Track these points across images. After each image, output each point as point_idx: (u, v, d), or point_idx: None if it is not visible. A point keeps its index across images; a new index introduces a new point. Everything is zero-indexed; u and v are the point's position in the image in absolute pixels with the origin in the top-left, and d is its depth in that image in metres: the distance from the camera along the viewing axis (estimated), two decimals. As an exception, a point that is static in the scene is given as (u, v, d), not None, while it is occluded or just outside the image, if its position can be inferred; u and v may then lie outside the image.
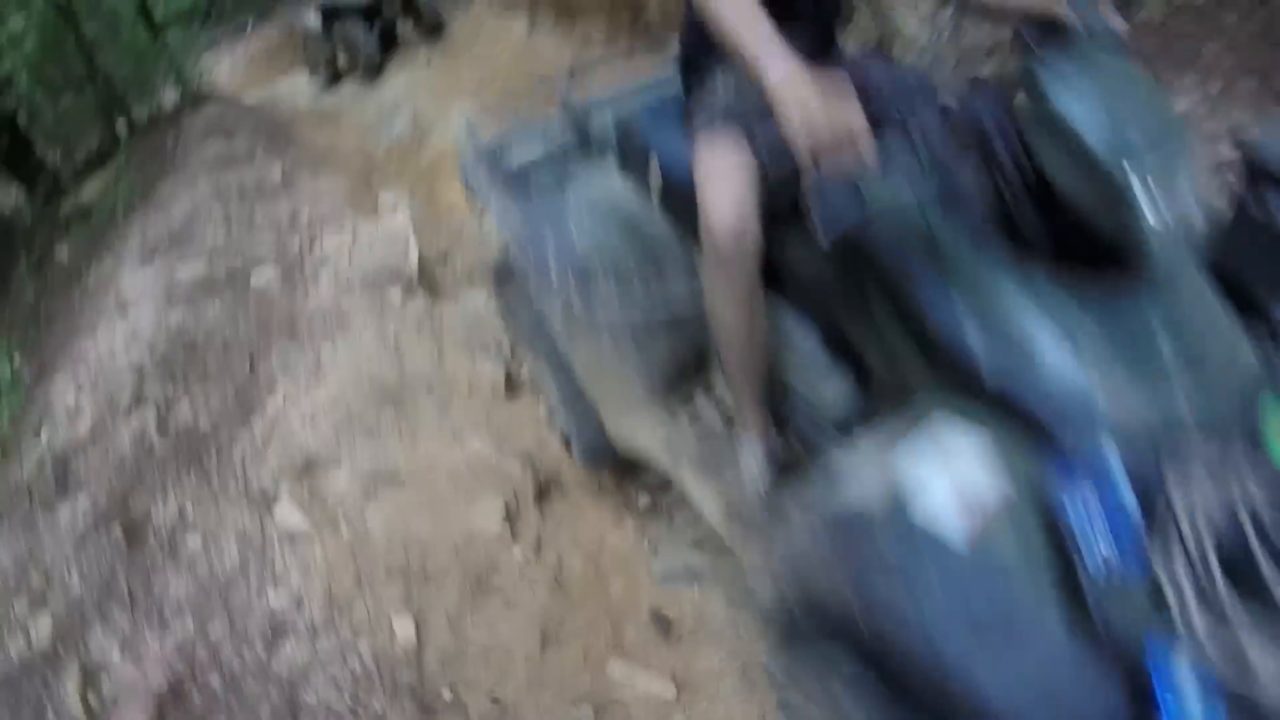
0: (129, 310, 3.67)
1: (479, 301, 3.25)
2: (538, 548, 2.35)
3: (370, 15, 7.06)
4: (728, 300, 1.56)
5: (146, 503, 2.62)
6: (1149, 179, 1.04)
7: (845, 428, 1.59)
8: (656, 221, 1.95)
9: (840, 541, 1.16)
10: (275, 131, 6.07)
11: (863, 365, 1.56)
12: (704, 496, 1.93)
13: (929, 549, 1.04)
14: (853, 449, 1.30)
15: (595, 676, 2.10)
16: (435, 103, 6.07)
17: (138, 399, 3.03)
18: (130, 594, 2.39)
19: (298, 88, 7.77)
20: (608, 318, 1.87)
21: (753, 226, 1.48)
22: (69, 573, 2.49)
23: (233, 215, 4.41)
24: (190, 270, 3.86)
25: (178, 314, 3.50)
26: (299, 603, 2.24)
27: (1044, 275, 1.17)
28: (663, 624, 2.17)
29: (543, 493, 2.49)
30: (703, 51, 1.63)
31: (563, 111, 2.33)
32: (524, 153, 2.32)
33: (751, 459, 1.75)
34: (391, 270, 3.53)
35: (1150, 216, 1.04)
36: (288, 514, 2.44)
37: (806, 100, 1.09)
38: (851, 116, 1.09)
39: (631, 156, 2.03)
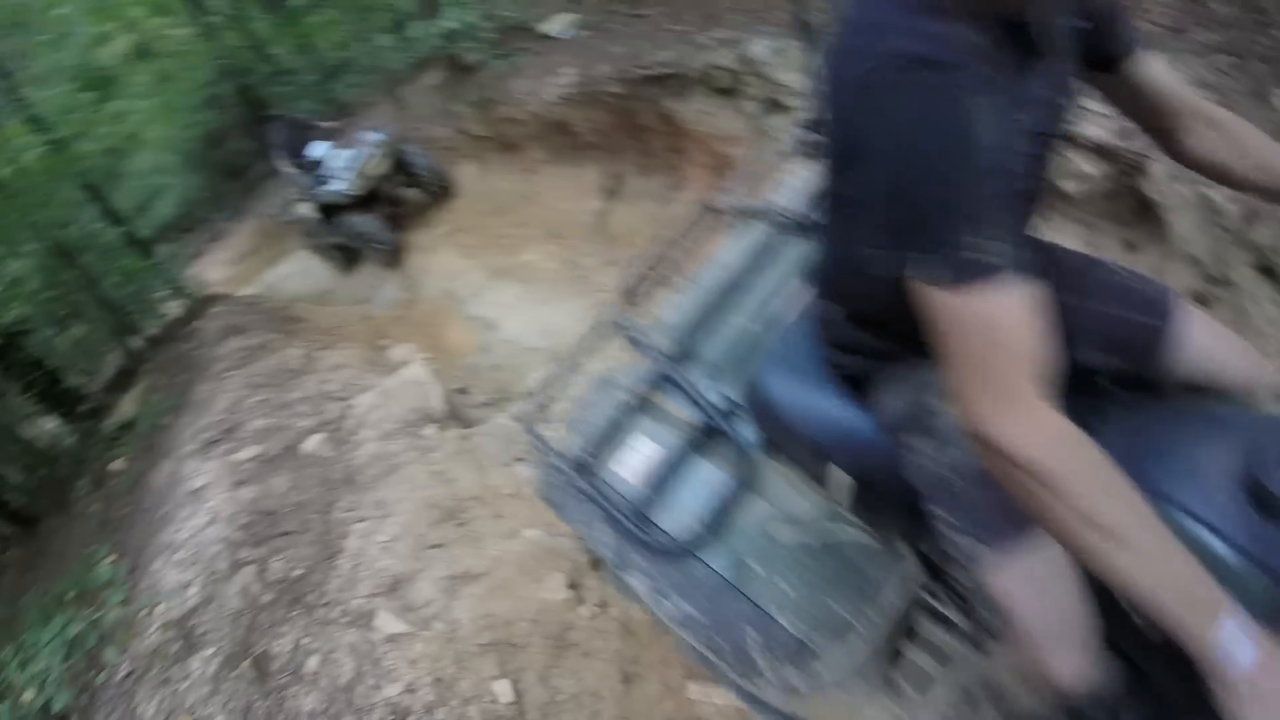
0: (202, 496, 4.22)
1: (503, 422, 3.86)
2: (603, 605, 2.85)
3: (368, 203, 6.80)
4: None
5: (266, 641, 3.13)
6: None
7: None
8: (850, 530, 1.66)
9: None
10: (282, 320, 6.77)
11: None
12: None
13: None
14: None
15: (677, 701, 2.50)
16: (421, 259, 6.81)
17: (235, 564, 3.56)
18: (269, 714, 2.88)
19: (291, 274, 8.48)
20: (834, 676, 1.61)
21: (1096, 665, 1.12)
22: (210, 706, 2.98)
23: (269, 400, 5.03)
24: (247, 453, 4.44)
25: (248, 491, 4.07)
26: (412, 689, 2.74)
27: None
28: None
29: (598, 561, 2.99)
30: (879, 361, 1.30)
31: (639, 356, 1.95)
32: (628, 458, 1.84)
33: None
34: (421, 413, 4.16)
35: None
36: (387, 622, 2.96)
37: None
38: None
39: (771, 431, 1.66)
